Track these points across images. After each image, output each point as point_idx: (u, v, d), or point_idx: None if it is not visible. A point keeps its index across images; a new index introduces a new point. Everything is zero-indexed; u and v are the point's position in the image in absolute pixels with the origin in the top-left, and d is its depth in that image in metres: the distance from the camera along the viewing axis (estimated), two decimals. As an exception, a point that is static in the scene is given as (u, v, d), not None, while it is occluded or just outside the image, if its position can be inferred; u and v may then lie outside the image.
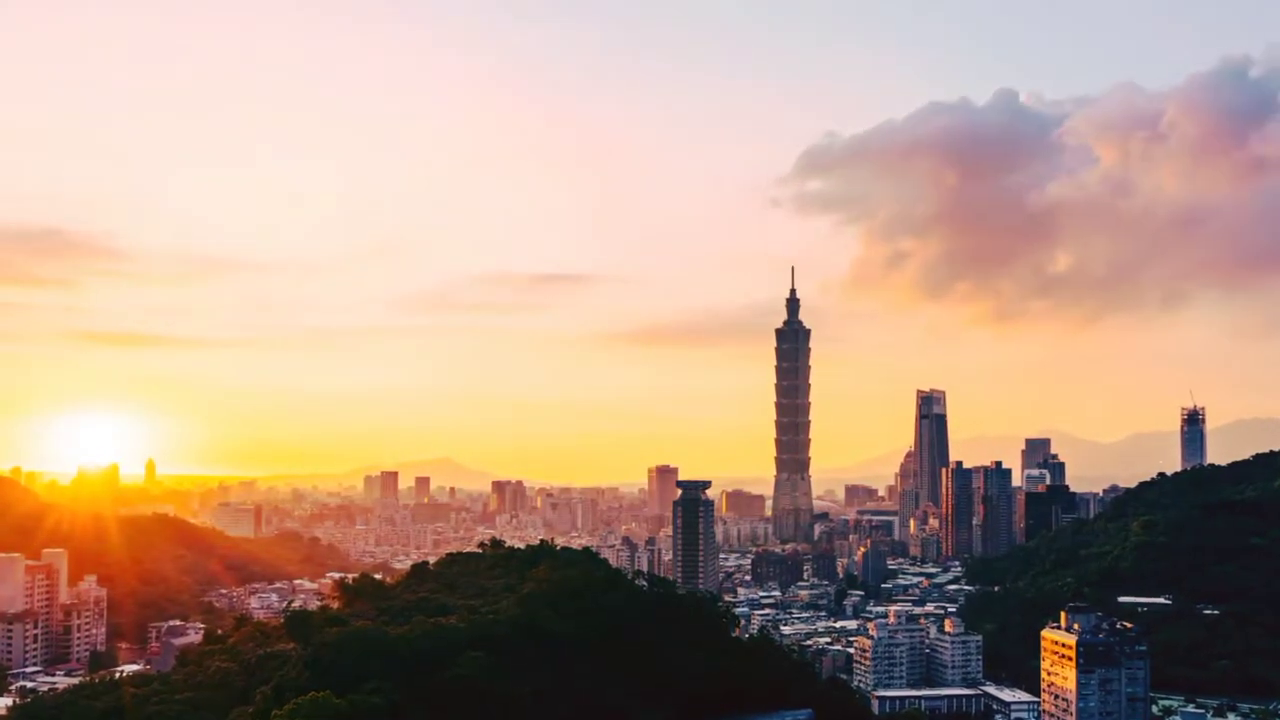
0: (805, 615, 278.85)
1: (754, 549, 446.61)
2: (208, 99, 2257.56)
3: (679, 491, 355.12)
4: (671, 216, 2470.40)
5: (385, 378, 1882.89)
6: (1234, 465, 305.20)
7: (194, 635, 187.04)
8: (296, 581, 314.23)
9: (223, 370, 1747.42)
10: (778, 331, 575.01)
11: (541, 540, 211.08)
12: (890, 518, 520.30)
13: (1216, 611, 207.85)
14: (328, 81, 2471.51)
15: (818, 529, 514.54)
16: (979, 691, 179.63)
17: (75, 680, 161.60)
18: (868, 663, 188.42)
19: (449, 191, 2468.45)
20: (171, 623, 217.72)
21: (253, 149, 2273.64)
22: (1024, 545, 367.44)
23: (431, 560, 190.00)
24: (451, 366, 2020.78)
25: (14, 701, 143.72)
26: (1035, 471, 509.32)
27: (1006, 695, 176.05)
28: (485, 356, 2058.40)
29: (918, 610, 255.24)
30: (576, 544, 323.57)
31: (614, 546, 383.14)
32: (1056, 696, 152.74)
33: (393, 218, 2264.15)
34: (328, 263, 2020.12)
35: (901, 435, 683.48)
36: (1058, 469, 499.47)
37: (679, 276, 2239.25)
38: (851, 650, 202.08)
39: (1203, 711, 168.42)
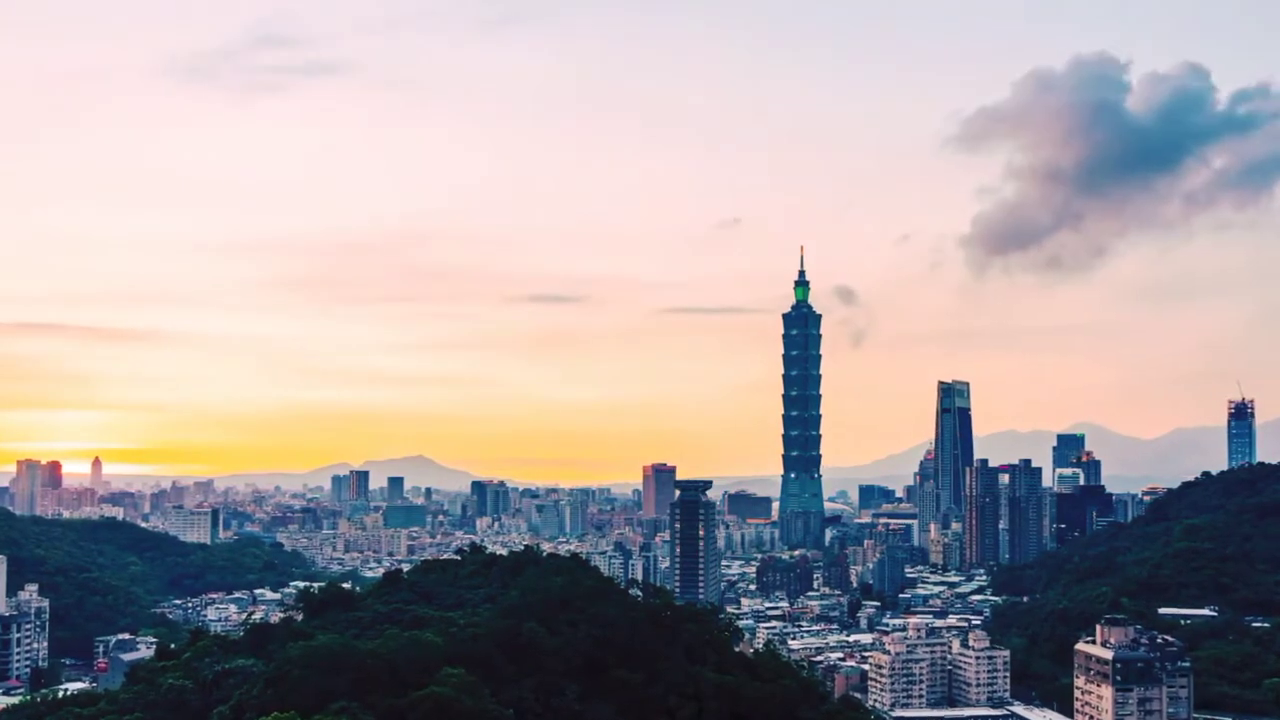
0: (815, 628, 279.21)
1: (759, 556, 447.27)
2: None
3: (677, 492, 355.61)
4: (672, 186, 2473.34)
5: (355, 365, 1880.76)
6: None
7: (145, 650, 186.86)
8: (257, 591, 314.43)
9: (175, 362, 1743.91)
10: (785, 317, 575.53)
11: (526, 546, 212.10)
12: (908, 521, 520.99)
13: (1267, 624, 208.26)
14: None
15: (829, 534, 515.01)
16: (1006, 712, 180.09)
17: (15, 699, 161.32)
18: (884, 680, 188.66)
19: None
20: (120, 636, 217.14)
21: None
22: (1055, 551, 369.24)
23: (405, 568, 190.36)
24: (427, 355, 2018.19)
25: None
26: (1068, 470, 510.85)
27: (1036, 716, 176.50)
28: (461, 344, 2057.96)
29: (939, 623, 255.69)
30: (564, 550, 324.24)
31: (606, 553, 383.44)
32: (1091, 717, 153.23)
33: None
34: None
35: (921, 431, 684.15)
36: (1092, 468, 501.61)
37: (677, 251, 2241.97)
38: (866, 667, 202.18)
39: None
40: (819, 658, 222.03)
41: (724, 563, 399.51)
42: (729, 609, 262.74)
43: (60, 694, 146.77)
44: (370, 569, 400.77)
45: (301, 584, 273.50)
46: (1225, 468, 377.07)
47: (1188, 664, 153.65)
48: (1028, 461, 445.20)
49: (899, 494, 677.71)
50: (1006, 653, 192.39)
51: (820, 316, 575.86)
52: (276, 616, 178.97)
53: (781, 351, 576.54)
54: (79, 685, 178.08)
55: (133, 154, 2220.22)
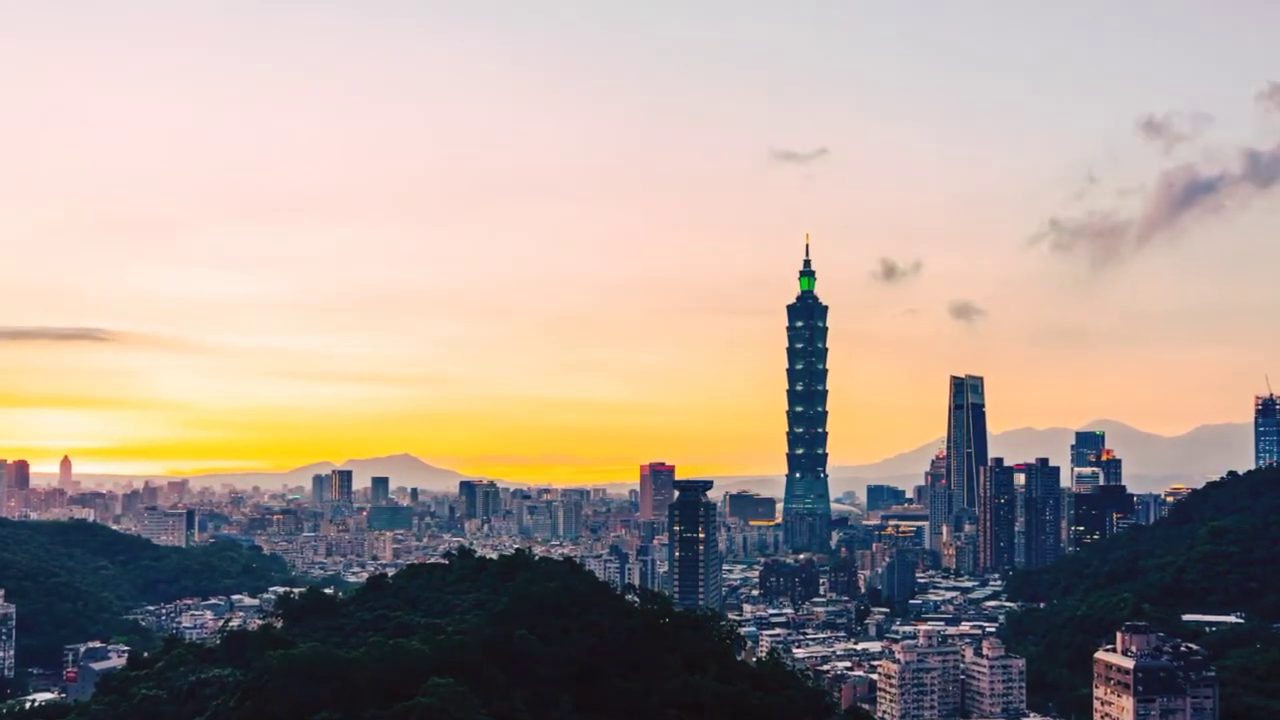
0: (821, 636, 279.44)
1: (762, 559, 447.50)
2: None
3: (676, 493, 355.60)
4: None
5: (335, 360, 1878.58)
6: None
7: (116, 659, 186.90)
8: (234, 597, 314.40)
9: (148, 359, 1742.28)
10: (789, 308, 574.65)
11: (517, 549, 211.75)
12: (919, 523, 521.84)
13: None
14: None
15: (835, 536, 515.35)
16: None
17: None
18: (893, 690, 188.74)
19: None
20: (91, 644, 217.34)
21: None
22: (1073, 555, 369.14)
23: (390, 572, 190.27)
24: (411, 348, 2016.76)
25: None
26: (1087, 470, 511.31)
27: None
28: (450, 338, 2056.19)
29: (951, 630, 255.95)
30: (557, 554, 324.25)
31: (601, 556, 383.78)
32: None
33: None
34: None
35: (932, 428, 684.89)
36: (1112, 467, 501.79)
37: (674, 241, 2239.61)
38: (875, 676, 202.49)
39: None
40: (825, 667, 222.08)
41: (725, 567, 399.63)
42: (730, 615, 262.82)
43: (27, 705, 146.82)
44: (353, 573, 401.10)
45: (281, 589, 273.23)
46: (1252, 467, 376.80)
47: (1213, 673, 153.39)
48: (1045, 460, 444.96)
49: (909, 495, 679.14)
50: (1022, 662, 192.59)
51: (826, 308, 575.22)
52: (255, 623, 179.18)
53: (786, 345, 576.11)
54: (47, 696, 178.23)
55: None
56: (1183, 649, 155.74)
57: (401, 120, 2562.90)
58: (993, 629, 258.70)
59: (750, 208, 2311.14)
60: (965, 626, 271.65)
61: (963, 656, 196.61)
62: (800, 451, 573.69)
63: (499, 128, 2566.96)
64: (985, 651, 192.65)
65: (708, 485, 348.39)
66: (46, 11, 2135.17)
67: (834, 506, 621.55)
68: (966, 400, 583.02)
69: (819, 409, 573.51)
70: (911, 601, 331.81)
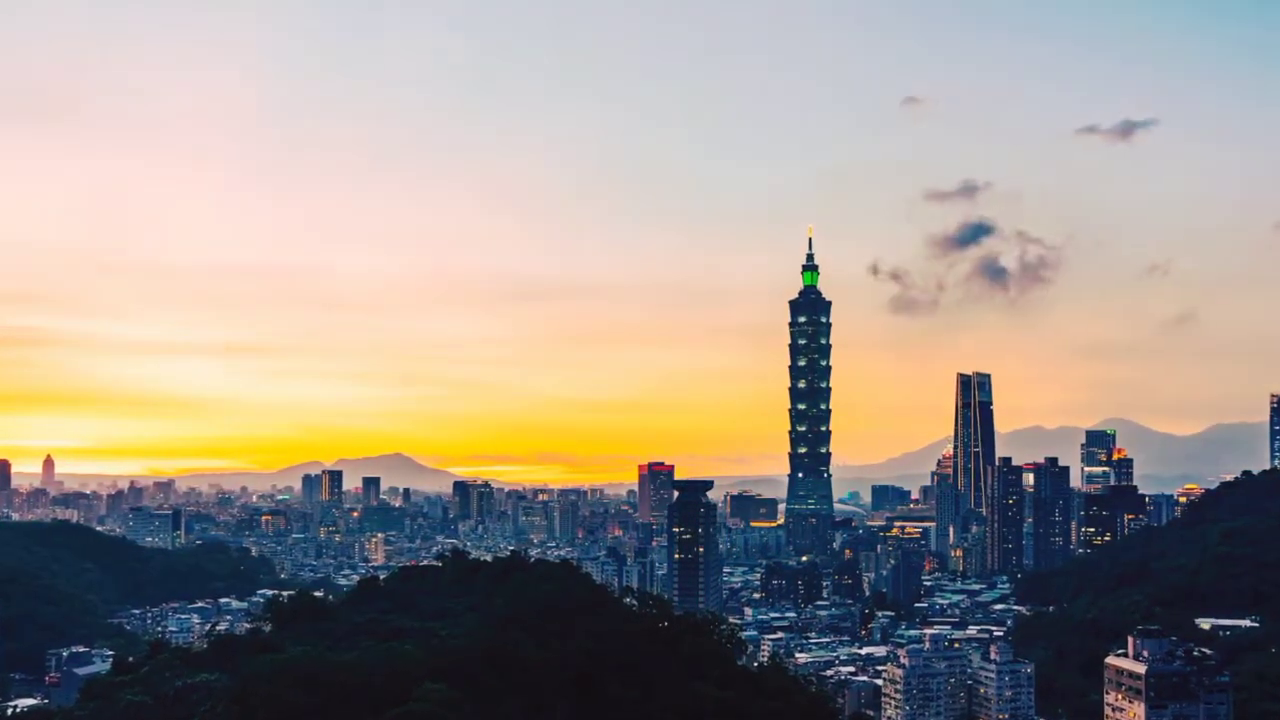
0: (825, 640, 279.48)
1: (764, 562, 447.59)
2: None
3: (675, 493, 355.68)
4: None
5: (327, 358, 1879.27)
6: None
7: (101, 663, 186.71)
8: (222, 600, 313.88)
9: (134, 358, 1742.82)
10: (792, 303, 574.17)
11: (512, 551, 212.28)
12: (925, 524, 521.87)
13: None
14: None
15: (839, 538, 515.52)
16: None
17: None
18: (898, 696, 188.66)
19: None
20: (74, 648, 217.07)
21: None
22: (1084, 557, 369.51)
23: (382, 575, 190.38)
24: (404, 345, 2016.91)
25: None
26: (1097, 469, 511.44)
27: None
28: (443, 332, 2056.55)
29: (958, 634, 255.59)
30: (553, 556, 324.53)
31: (598, 559, 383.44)
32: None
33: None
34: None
35: (939, 427, 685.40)
36: (1124, 466, 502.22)
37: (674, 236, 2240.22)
38: (879, 681, 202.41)
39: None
40: (828, 672, 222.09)
41: (726, 569, 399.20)
42: (731, 619, 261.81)
43: (9, 711, 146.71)
44: (344, 576, 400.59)
45: (270, 592, 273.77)
46: (1267, 466, 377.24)
47: (1227, 678, 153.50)
48: (1054, 460, 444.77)
49: (915, 495, 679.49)
50: (1031, 667, 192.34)
51: (830, 304, 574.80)
52: (243, 627, 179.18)
53: (788, 341, 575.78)
54: (29, 701, 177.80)
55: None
56: (1196, 654, 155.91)
57: (399, 119, 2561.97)
58: (1000, 633, 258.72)
59: (752, 207, 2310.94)
60: (972, 630, 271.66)
61: (970, 661, 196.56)
62: (803, 451, 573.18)
63: (497, 127, 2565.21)
64: (993, 656, 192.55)
65: (708, 485, 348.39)
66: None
67: (838, 507, 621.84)
68: (974, 398, 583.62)
69: (822, 407, 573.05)
70: (917, 604, 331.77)
